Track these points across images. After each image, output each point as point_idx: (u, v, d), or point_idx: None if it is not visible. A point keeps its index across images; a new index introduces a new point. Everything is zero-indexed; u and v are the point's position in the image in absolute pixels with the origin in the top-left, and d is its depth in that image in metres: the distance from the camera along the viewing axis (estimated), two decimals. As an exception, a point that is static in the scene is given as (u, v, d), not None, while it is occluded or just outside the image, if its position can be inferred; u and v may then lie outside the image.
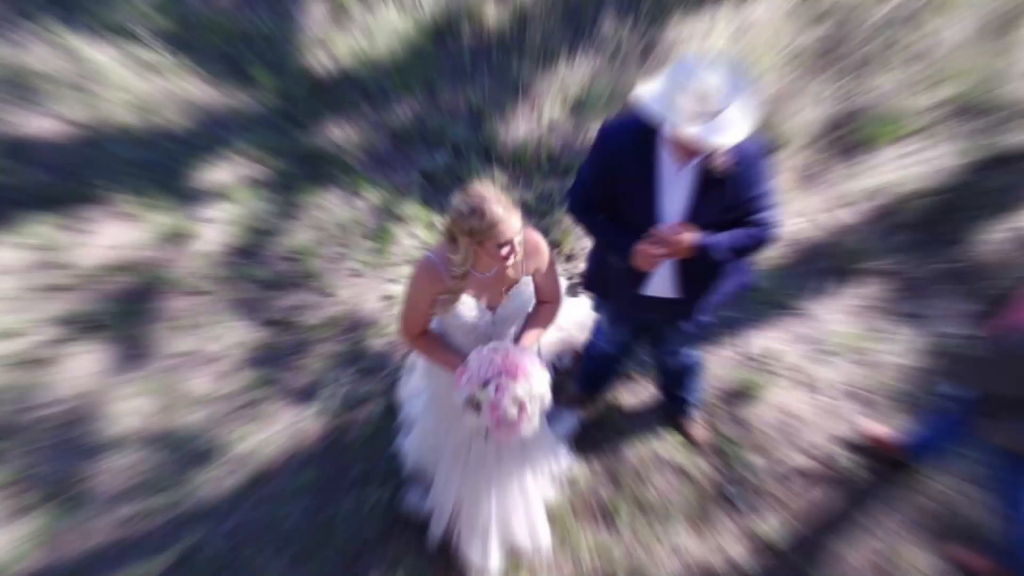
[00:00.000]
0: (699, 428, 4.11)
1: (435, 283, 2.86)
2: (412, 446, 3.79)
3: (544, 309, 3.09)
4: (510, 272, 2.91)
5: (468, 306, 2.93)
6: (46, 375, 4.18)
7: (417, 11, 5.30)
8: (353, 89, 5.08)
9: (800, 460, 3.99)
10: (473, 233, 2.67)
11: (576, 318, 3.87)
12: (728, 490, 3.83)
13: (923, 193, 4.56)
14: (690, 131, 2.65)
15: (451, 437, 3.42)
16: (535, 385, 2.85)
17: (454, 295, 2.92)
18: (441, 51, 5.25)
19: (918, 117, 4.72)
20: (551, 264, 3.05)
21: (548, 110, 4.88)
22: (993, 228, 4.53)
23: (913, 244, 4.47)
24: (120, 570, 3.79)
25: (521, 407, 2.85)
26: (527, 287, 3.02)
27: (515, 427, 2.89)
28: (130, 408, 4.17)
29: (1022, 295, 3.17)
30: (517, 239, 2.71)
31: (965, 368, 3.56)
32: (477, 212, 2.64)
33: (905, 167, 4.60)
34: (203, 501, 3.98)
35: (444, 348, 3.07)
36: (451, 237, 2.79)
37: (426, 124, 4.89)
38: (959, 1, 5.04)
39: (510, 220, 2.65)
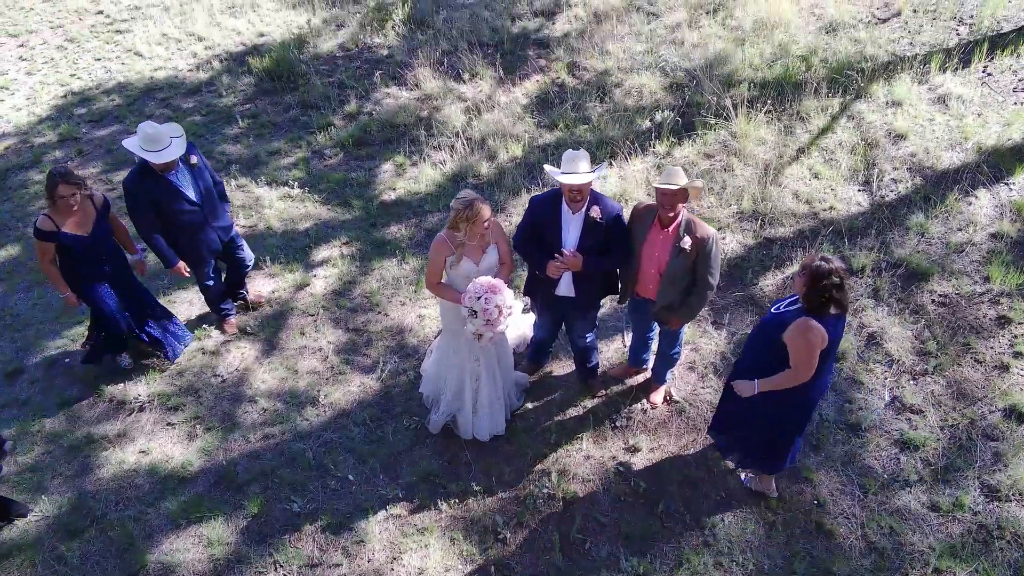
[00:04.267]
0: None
1: (444, 249, 4.10)
2: (427, 381, 4.88)
3: (503, 268, 4.27)
4: (487, 237, 4.05)
5: (464, 267, 4.08)
6: (218, 360, 5.48)
7: (443, 167, 7.15)
8: (405, 208, 6.78)
9: (648, 406, 5.07)
10: (468, 218, 3.90)
11: (527, 323, 5.28)
12: (616, 420, 4.94)
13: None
14: (561, 177, 3.99)
15: (458, 356, 4.47)
16: (507, 298, 3.91)
17: (456, 255, 4.05)
18: (456, 189, 6.86)
19: (724, 220, 6.33)
20: (503, 236, 4.24)
21: (514, 218, 6.47)
22: (765, 276, 5.97)
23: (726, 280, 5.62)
24: (254, 466, 4.77)
25: (499, 310, 3.87)
26: (494, 253, 4.16)
27: (497, 323, 3.86)
28: (265, 377, 5.37)
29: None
30: (487, 219, 3.94)
31: None
32: (470, 207, 3.91)
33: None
34: (305, 428, 5.04)
35: (452, 290, 4.20)
36: (455, 225, 3.97)
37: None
38: (750, 157, 6.64)
39: (486, 210, 3.90)
